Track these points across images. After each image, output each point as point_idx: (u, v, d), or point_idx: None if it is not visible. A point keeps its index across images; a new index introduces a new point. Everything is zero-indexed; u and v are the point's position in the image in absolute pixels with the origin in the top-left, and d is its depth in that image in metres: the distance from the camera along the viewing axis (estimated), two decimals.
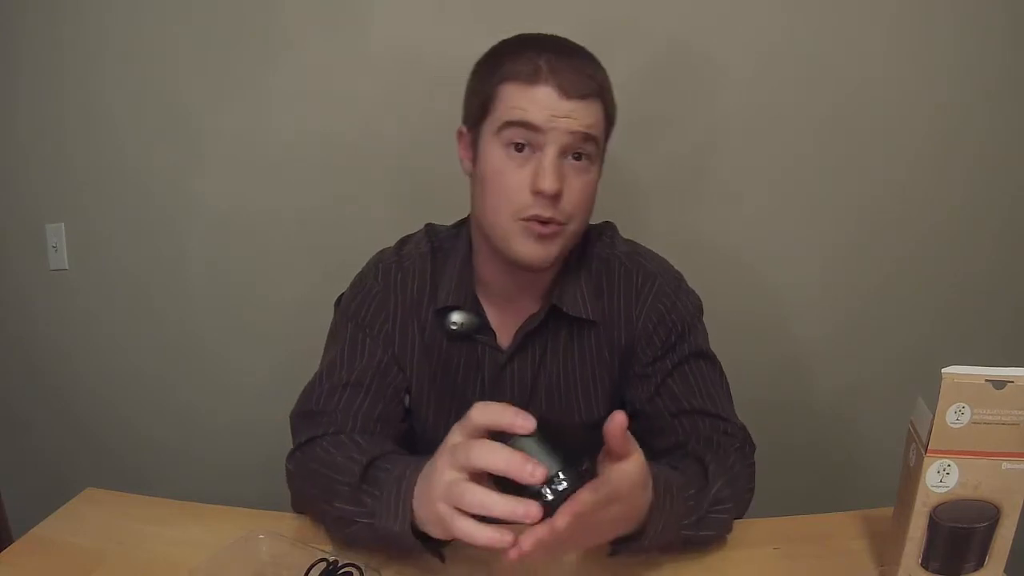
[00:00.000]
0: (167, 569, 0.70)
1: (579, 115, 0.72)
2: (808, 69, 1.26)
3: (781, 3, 1.24)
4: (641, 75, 1.27)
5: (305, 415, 0.82)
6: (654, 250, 0.90)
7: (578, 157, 0.74)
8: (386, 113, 1.33)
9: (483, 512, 0.50)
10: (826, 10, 1.23)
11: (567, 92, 0.71)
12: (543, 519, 0.49)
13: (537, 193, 0.72)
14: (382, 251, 0.90)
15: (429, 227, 0.91)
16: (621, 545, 0.63)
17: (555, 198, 0.72)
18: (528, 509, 0.48)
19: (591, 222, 0.90)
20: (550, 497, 0.49)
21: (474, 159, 0.79)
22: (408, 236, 0.91)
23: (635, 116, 1.28)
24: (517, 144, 0.73)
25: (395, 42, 1.31)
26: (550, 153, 0.72)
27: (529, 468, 0.48)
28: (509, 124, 0.73)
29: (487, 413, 0.53)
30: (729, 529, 0.73)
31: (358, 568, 0.63)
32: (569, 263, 0.84)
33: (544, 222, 0.74)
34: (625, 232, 0.91)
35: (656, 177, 1.32)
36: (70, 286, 1.55)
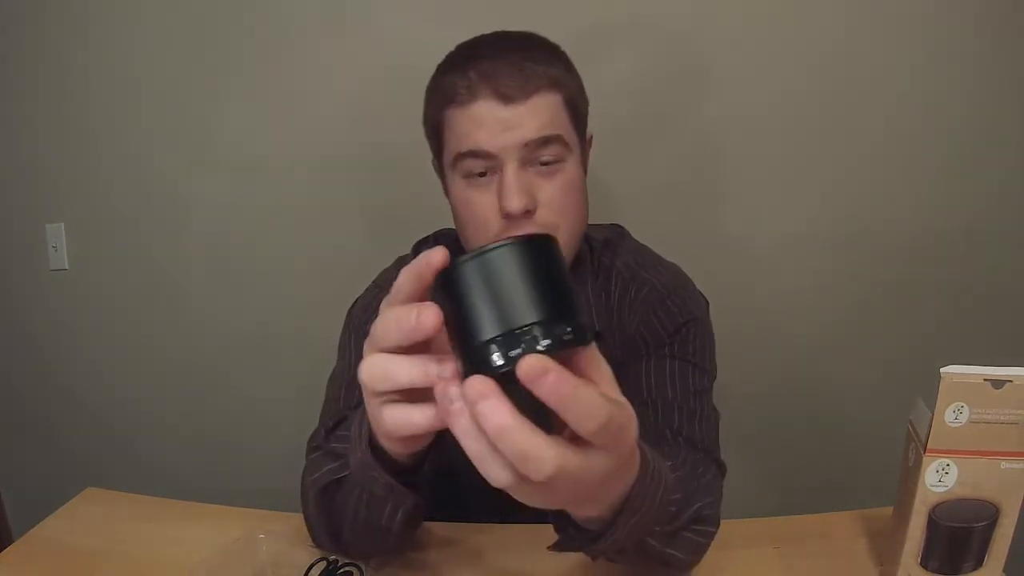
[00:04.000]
0: (167, 569, 0.70)
1: (528, 119, 0.66)
2: (810, 69, 1.25)
3: (784, 4, 1.24)
4: (642, 74, 1.27)
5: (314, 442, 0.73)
6: (659, 249, 0.87)
7: (546, 163, 0.69)
8: (387, 113, 1.33)
9: (389, 381, 0.38)
10: (829, 10, 1.23)
11: (507, 97, 0.65)
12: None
13: (506, 216, 0.67)
14: (400, 258, 0.87)
15: (438, 233, 0.88)
16: (575, 535, 0.51)
17: (528, 214, 0.67)
18: (442, 366, 0.35)
19: (599, 221, 0.88)
20: (500, 361, 0.33)
21: (446, 189, 0.76)
22: (423, 240, 0.88)
23: (635, 115, 1.29)
24: (478, 173, 0.69)
25: (395, 42, 1.31)
26: (510, 170, 0.67)
27: (414, 312, 0.36)
28: (461, 156, 0.69)
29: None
30: (695, 560, 0.64)
31: (358, 568, 0.63)
32: (575, 273, 0.80)
33: None
34: (630, 229, 0.90)
35: (656, 177, 1.32)
36: (70, 286, 1.55)
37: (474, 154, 0.68)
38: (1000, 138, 1.26)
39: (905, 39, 1.23)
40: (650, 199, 1.33)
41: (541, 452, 0.34)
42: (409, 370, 0.38)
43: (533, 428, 0.34)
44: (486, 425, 0.33)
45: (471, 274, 0.34)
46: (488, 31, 0.77)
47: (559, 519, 0.52)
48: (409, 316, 0.36)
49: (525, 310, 0.34)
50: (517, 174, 0.67)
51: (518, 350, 0.33)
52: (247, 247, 1.46)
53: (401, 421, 0.40)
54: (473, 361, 0.34)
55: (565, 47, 0.76)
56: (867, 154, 1.28)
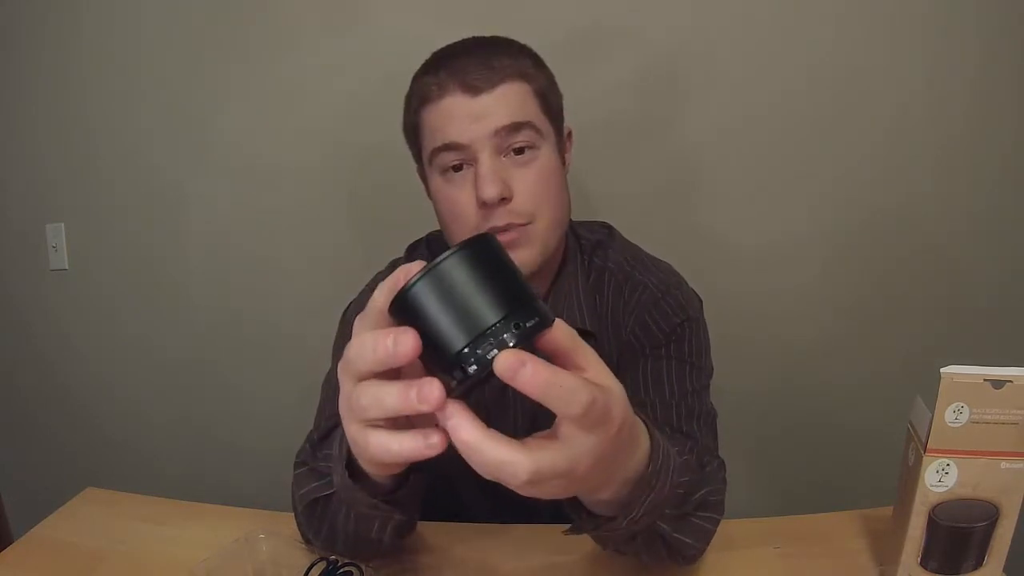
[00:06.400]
0: (167, 569, 0.70)
1: (496, 108, 0.68)
2: (804, 71, 1.25)
3: (778, 6, 1.24)
4: (640, 75, 1.27)
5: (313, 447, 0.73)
6: (653, 251, 0.87)
7: (519, 151, 0.70)
8: (387, 114, 1.32)
9: (381, 411, 0.38)
10: (828, 9, 1.23)
11: (474, 89, 0.68)
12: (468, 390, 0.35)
13: (483, 205, 0.68)
14: (393, 261, 0.87)
15: (429, 236, 0.89)
16: (589, 521, 0.52)
17: (504, 202, 0.68)
18: (422, 390, 0.35)
19: (586, 219, 0.88)
20: (476, 367, 0.34)
21: (428, 191, 0.78)
22: (414, 243, 0.89)
23: (629, 117, 1.29)
24: (454, 166, 0.70)
25: (395, 42, 1.31)
26: (484, 160, 0.68)
27: (391, 338, 0.36)
28: (436, 151, 0.70)
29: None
30: (702, 548, 0.66)
31: (358, 568, 0.63)
32: (563, 274, 0.80)
33: (505, 229, 0.69)
34: (624, 232, 0.90)
35: (655, 177, 1.32)
36: (70, 286, 1.55)
37: (447, 147, 0.69)
38: (998, 137, 1.26)
39: (904, 41, 1.23)
40: (647, 200, 1.32)
41: (513, 458, 0.36)
42: (399, 397, 0.37)
43: (500, 439, 0.36)
44: (456, 442, 0.35)
45: (424, 293, 0.35)
46: (487, 32, 0.77)
47: (574, 507, 0.52)
48: (386, 342, 0.36)
49: (486, 312, 0.34)
50: (491, 163, 0.68)
51: (492, 351, 0.34)
52: (247, 247, 1.46)
53: (386, 448, 0.39)
54: (451, 373, 0.35)
55: (561, 49, 0.76)
56: (863, 155, 1.28)
